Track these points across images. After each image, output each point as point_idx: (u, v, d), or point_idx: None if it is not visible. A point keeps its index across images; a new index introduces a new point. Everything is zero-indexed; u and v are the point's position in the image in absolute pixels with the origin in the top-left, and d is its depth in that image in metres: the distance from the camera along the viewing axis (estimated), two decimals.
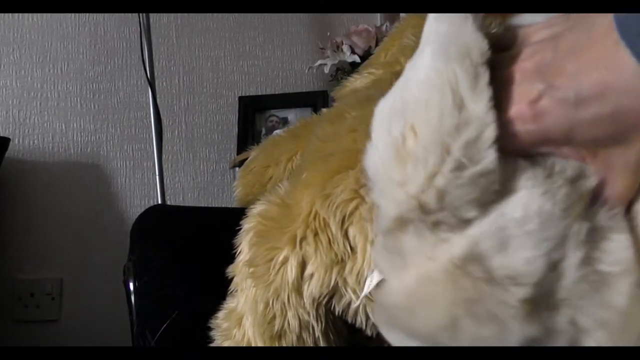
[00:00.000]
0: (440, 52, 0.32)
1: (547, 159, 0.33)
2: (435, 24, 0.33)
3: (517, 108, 0.32)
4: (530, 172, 0.32)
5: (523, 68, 0.33)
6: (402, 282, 0.34)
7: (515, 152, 0.33)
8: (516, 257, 0.30)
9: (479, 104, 0.31)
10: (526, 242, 0.30)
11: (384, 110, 0.35)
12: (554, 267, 0.31)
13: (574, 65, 0.30)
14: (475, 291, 0.31)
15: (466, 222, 0.31)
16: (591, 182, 0.33)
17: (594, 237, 0.32)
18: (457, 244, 0.31)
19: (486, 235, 0.31)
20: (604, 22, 0.29)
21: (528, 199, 0.31)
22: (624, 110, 0.29)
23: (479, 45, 0.32)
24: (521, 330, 0.31)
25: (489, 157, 0.31)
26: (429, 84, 0.32)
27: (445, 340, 0.33)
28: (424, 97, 0.32)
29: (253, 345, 0.51)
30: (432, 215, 0.31)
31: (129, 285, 0.74)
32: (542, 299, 0.31)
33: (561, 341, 0.32)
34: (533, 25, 0.36)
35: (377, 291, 0.39)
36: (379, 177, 0.34)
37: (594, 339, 0.32)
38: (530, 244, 0.30)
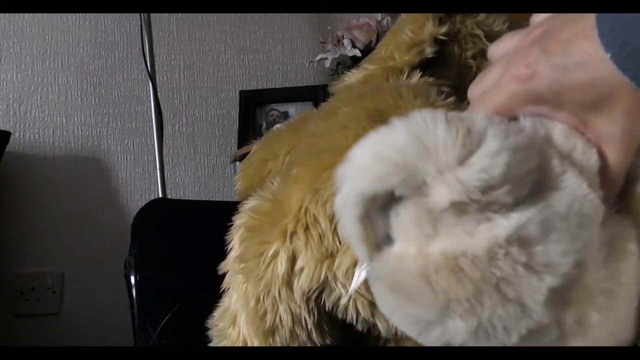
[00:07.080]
0: None
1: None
2: None
3: (516, 69, 0.37)
4: (577, 175, 0.35)
5: (530, 34, 0.37)
6: (423, 251, 0.34)
7: (517, 110, 0.37)
8: (555, 248, 0.33)
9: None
10: (563, 237, 0.33)
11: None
12: (579, 265, 0.33)
13: (569, 33, 0.34)
14: (511, 272, 0.32)
15: (514, 205, 0.33)
16: (598, 195, 0.35)
17: (610, 243, 0.35)
18: (502, 224, 0.33)
19: (533, 222, 0.33)
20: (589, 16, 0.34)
21: (572, 199, 0.34)
22: (601, 80, 0.33)
23: None
24: (539, 316, 0.33)
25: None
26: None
27: (458, 311, 0.33)
28: None
29: (249, 342, 0.51)
30: (492, 193, 0.32)
31: (130, 278, 0.74)
32: (564, 292, 0.33)
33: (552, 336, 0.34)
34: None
35: (384, 254, 0.38)
36: (432, 158, 0.33)
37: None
38: (567, 239, 0.33)
